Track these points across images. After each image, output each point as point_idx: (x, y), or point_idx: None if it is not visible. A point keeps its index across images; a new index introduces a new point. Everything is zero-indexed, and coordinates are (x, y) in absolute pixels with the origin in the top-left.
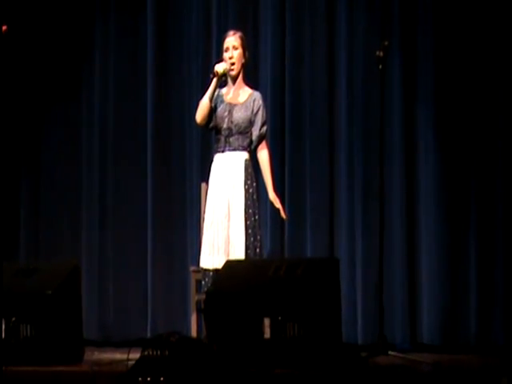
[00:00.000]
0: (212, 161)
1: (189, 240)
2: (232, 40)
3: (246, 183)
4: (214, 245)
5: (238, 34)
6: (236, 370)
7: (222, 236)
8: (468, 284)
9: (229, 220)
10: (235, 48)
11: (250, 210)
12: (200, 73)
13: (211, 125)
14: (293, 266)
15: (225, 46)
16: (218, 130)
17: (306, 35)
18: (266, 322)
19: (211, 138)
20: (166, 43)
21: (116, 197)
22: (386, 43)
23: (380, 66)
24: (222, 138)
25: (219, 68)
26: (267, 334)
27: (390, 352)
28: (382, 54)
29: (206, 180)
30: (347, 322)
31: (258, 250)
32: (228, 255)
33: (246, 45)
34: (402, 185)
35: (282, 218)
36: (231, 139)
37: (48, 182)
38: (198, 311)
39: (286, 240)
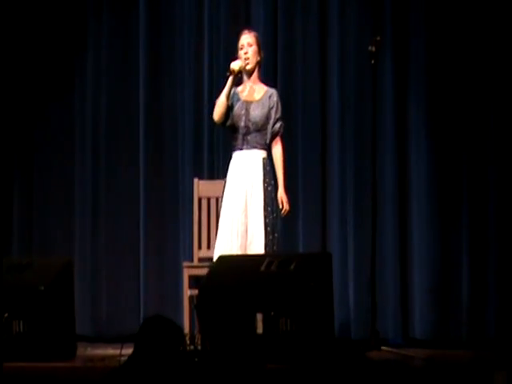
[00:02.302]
0: (230, 158)
1: (181, 236)
2: (247, 37)
3: (264, 181)
4: (231, 242)
5: (253, 33)
6: (229, 365)
7: (240, 233)
8: (460, 279)
9: (246, 217)
10: (250, 45)
11: (269, 208)
12: (192, 71)
13: (228, 123)
14: (285, 261)
15: (240, 43)
16: (235, 128)
17: (298, 30)
18: (259, 317)
19: (203, 135)
20: (158, 42)
21: (109, 193)
22: (378, 38)
23: (372, 61)
24: (240, 136)
25: (235, 66)
26: (260, 329)
27: (382, 347)
28: (374, 48)
29: (224, 177)
30: (340, 317)
31: (275, 247)
32: (246, 252)
33: (261, 44)
34: (394, 180)
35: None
36: (249, 137)
37: (41, 178)
38: (194, 307)
39: None
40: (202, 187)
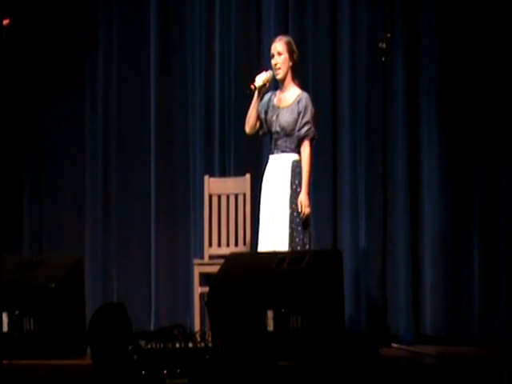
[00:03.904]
0: (267, 162)
1: (192, 233)
2: (276, 46)
3: (293, 183)
4: (265, 242)
5: (283, 40)
6: (240, 362)
7: (269, 233)
8: (471, 276)
9: (273, 219)
10: (279, 54)
11: (294, 205)
12: (203, 68)
13: (263, 131)
14: (296, 259)
15: (271, 52)
16: (270, 133)
17: (308, 28)
18: (270, 314)
19: (214, 132)
20: (169, 38)
21: (119, 190)
22: (389, 35)
23: (383, 58)
24: (273, 141)
25: (258, 81)
26: (270, 327)
27: (393, 344)
28: (384, 45)
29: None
30: (350, 314)
31: (307, 246)
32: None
33: (294, 48)
34: (405, 177)
35: None
36: (279, 142)
37: (51, 175)
38: (205, 304)
39: None
40: (212, 185)
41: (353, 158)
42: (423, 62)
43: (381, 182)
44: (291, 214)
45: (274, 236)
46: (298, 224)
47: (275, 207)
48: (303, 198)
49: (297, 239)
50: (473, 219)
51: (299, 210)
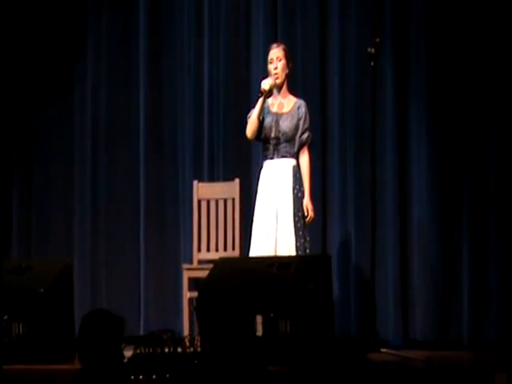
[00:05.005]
0: (261, 167)
1: (181, 238)
2: (276, 52)
3: (294, 188)
4: (264, 248)
5: (282, 47)
6: (229, 367)
7: (272, 238)
8: (461, 280)
9: (277, 223)
10: (279, 59)
11: (300, 213)
12: (192, 70)
13: (261, 137)
14: (285, 264)
15: (269, 57)
16: (266, 139)
17: (297, 32)
18: (259, 319)
19: (204, 137)
20: (158, 42)
21: (108, 195)
22: (378, 40)
23: (372, 63)
24: (271, 147)
25: (265, 85)
26: (259, 332)
27: (382, 349)
28: (373, 50)
29: (256, 186)
30: (340, 319)
31: (307, 250)
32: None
33: (290, 56)
34: (394, 181)
35: None
36: (279, 147)
37: (40, 180)
38: (194, 309)
39: None
40: (201, 189)
41: (342, 163)
42: (412, 66)
43: (370, 185)
44: (295, 219)
45: (277, 241)
46: (300, 228)
47: (277, 212)
48: (308, 203)
49: (298, 243)
50: (462, 220)
51: (305, 215)
